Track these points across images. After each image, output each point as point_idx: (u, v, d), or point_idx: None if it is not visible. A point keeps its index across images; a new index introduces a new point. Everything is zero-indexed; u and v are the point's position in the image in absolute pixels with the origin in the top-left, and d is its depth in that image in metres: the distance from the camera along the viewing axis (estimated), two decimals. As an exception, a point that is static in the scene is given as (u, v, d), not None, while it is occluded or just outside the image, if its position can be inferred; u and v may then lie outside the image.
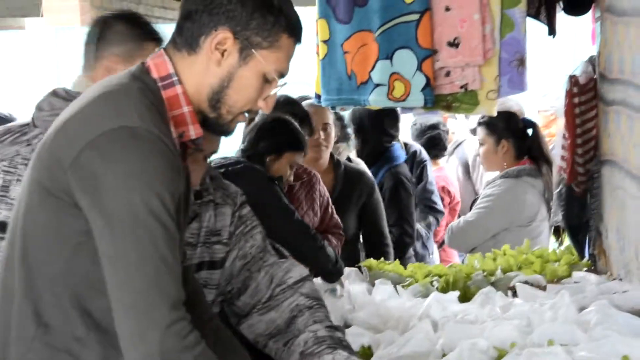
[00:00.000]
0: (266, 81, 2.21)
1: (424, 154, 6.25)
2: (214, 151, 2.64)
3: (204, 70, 2.19)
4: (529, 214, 5.34)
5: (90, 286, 2.09)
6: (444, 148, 6.91)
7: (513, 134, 5.43)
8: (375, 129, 5.63)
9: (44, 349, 2.13)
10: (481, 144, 5.51)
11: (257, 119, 4.41)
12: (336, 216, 4.87)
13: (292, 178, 4.52)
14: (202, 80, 2.19)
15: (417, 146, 6.28)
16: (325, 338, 2.52)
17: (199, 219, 2.59)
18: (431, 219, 6.17)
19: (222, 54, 2.18)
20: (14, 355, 2.16)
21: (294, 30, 2.24)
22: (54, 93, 2.99)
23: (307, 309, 2.60)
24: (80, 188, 2.04)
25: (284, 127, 4.44)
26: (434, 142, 6.72)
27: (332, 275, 4.16)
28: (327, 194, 4.86)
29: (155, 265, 2.01)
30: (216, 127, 2.25)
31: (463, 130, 7.43)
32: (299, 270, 2.69)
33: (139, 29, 3.38)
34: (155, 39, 3.36)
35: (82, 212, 2.05)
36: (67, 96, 2.88)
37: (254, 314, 2.64)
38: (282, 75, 2.24)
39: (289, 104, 4.64)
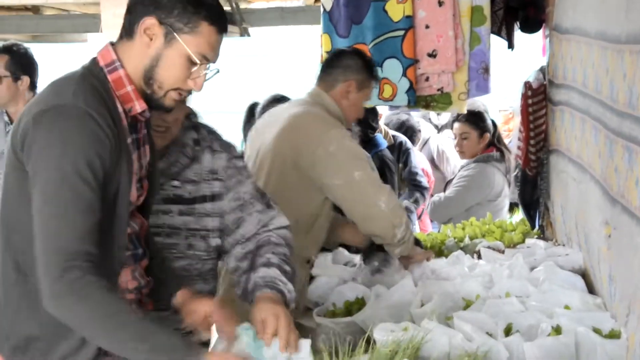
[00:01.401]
0: (192, 63, 2.14)
1: (409, 144, 6.22)
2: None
3: (139, 52, 2.14)
4: (497, 191, 5.34)
5: None
6: (417, 135, 6.85)
7: (490, 128, 5.45)
8: (361, 123, 5.62)
9: (24, 290, 2.13)
10: (465, 138, 5.47)
11: None
12: None
13: None
14: (138, 61, 2.15)
15: (402, 137, 6.25)
16: (273, 264, 2.49)
17: (199, 160, 2.62)
18: (417, 195, 6.14)
19: (151, 38, 2.13)
20: (1, 296, 2.18)
21: (214, 19, 2.16)
22: None
23: (273, 244, 2.58)
24: (25, 155, 2.04)
25: None
26: (411, 131, 6.67)
27: None
28: None
29: (58, 221, 1.99)
30: (153, 102, 2.20)
31: (429, 130, 7.37)
32: (282, 220, 2.66)
33: (371, 68, 3.54)
34: (377, 78, 3.58)
35: None
36: None
37: (237, 246, 2.63)
38: (206, 58, 2.16)
39: None
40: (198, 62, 2.14)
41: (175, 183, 2.65)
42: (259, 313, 2.28)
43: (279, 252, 2.55)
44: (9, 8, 14.57)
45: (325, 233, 3.47)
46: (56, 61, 5.91)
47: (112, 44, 2.20)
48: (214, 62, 2.20)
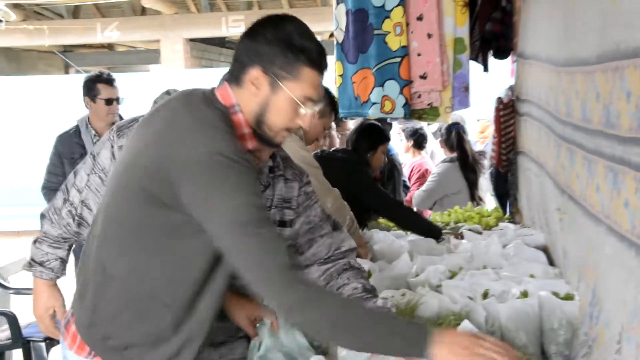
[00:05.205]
0: (299, 105, 1.89)
1: (394, 151, 6.17)
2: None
3: (248, 99, 1.89)
4: (458, 187, 5.35)
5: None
6: (426, 141, 6.85)
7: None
8: (380, 132, 5.55)
9: (124, 301, 1.91)
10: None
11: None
12: None
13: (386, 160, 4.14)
14: (249, 107, 1.90)
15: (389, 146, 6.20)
16: (370, 291, 2.21)
17: (272, 188, 2.22)
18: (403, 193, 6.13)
19: (257, 87, 1.87)
20: (96, 302, 1.94)
21: (314, 63, 1.88)
22: (167, 92, 2.87)
23: (355, 269, 2.28)
24: (184, 200, 1.76)
25: (374, 129, 4.09)
26: (422, 137, 6.66)
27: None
28: None
29: (262, 243, 1.73)
30: (264, 141, 1.95)
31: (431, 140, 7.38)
32: (350, 242, 2.34)
33: (333, 105, 3.53)
34: (337, 112, 3.56)
35: (176, 214, 1.79)
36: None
37: (315, 265, 2.29)
38: (310, 99, 1.90)
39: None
40: (303, 105, 1.89)
41: None
42: None
43: (364, 277, 2.27)
44: (90, 46, 14.68)
45: None
46: (126, 86, 6.02)
47: (228, 84, 1.94)
48: (318, 99, 1.94)
